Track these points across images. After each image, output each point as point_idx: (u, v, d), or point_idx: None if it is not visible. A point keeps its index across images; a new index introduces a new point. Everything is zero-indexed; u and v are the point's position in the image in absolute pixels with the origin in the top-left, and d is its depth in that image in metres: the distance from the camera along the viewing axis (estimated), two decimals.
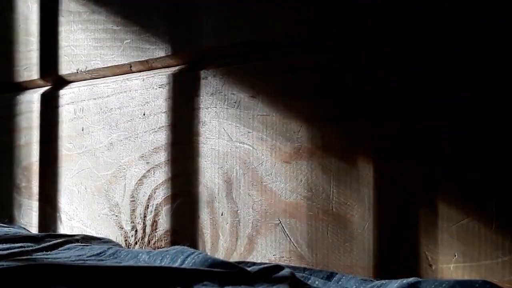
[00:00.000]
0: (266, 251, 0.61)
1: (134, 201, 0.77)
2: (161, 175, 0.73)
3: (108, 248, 0.64)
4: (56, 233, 0.83)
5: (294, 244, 0.59)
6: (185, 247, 0.58)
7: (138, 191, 0.76)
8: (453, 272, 0.48)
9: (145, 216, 0.75)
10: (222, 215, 0.66)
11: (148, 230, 0.75)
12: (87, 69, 0.85)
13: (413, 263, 0.51)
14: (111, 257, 0.62)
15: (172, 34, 0.72)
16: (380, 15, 0.53)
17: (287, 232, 0.60)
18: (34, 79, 0.96)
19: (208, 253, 0.62)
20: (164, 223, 0.73)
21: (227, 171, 0.66)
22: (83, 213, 0.85)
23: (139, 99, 0.76)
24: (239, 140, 0.64)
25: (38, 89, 0.97)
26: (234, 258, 0.64)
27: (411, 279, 0.45)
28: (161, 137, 0.73)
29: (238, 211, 0.64)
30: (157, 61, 0.75)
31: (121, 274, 0.47)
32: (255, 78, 0.63)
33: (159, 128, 0.74)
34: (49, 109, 0.92)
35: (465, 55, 0.48)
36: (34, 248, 0.66)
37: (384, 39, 0.54)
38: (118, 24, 0.80)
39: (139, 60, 0.77)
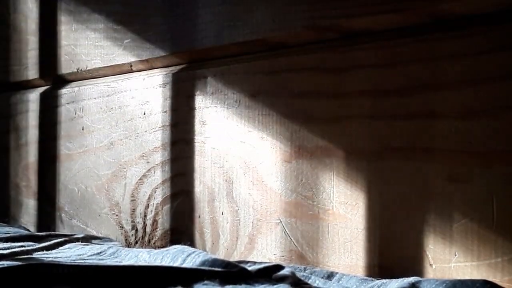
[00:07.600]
0: (267, 251, 0.62)
1: (134, 200, 0.77)
2: (161, 175, 0.73)
3: (109, 248, 0.64)
4: (57, 233, 0.83)
5: (294, 244, 0.59)
6: (186, 246, 0.58)
7: (139, 190, 0.76)
8: (454, 271, 0.48)
9: (145, 216, 0.75)
10: (222, 214, 0.66)
11: (148, 229, 0.75)
12: (88, 68, 0.85)
13: (414, 262, 0.51)
14: (112, 257, 0.62)
15: (173, 33, 0.72)
16: (378, 15, 0.53)
17: (287, 232, 0.60)
18: (34, 78, 0.96)
19: (209, 253, 0.62)
20: (164, 223, 0.73)
21: (227, 170, 0.66)
22: (83, 212, 0.85)
23: (140, 98, 0.76)
24: (239, 139, 0.64)
25: (38, 88, 0.97)
26: (235, 257, 0.64)
27: (411, 279, 0.45)
28: (162, 137, 0.73)
29: (239, 210, 0.64)
30: (158, 61, 0.75)
31: (122, 273, 0.47)
32: (256, 77, 0.63)
33: (160, 127, 0.74)
34: (49, 109, 0.92)
35: (466, 55, 0.48)
36: (34, 247, 0.66)
37: (385, 38, 0.54)
38: (119, 23, 0.80)
39: (140, 59, 0.77)
